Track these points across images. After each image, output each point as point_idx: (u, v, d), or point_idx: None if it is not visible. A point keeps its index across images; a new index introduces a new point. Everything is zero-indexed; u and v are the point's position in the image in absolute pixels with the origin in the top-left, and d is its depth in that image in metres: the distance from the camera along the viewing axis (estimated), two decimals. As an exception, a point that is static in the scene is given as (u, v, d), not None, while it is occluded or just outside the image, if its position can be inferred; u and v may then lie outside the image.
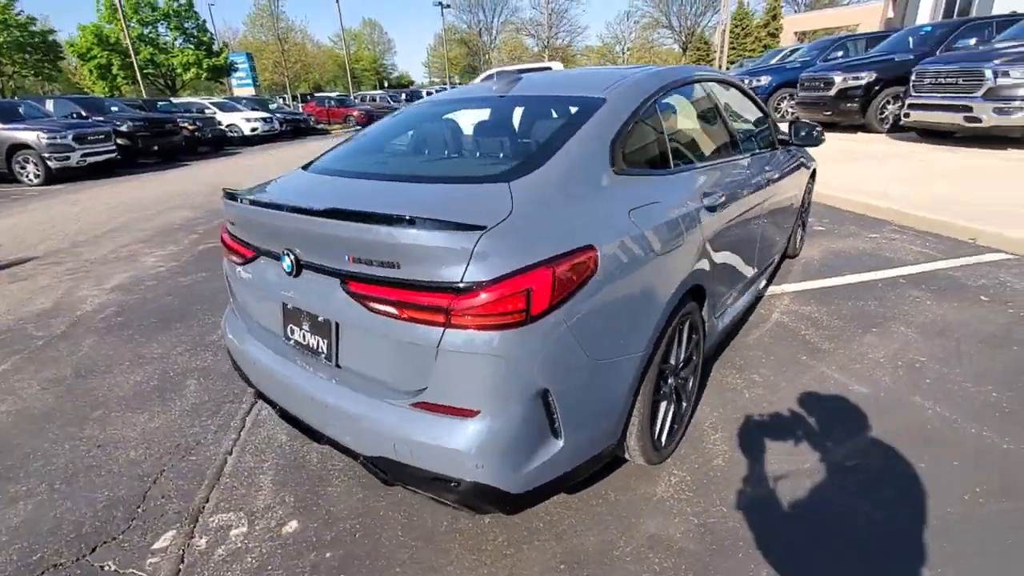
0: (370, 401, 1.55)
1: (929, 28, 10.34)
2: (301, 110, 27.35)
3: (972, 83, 7.36)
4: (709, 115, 2.67)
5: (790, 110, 12.31)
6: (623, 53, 56.32)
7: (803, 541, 1.70)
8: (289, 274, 1.65)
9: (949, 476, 1.93)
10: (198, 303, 4.13)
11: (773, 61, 15.48)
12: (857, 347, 2.86)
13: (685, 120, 2.54)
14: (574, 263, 1.42)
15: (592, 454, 1.62)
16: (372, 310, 1.46)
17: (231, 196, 1.86)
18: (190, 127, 15.19)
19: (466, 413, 1.40)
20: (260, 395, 2.00)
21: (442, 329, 1.35)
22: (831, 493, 1.89)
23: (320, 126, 25.24)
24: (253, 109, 20.30)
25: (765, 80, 12.89)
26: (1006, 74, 7.02)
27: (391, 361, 1.50)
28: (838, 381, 2.56)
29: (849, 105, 9.97)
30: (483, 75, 11.41)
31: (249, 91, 35.95)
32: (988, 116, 7.21)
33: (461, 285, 1.31)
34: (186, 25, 33.91)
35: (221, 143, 17.51)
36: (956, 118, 7.67)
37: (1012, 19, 8.90)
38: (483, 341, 1.32)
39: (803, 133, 3.20)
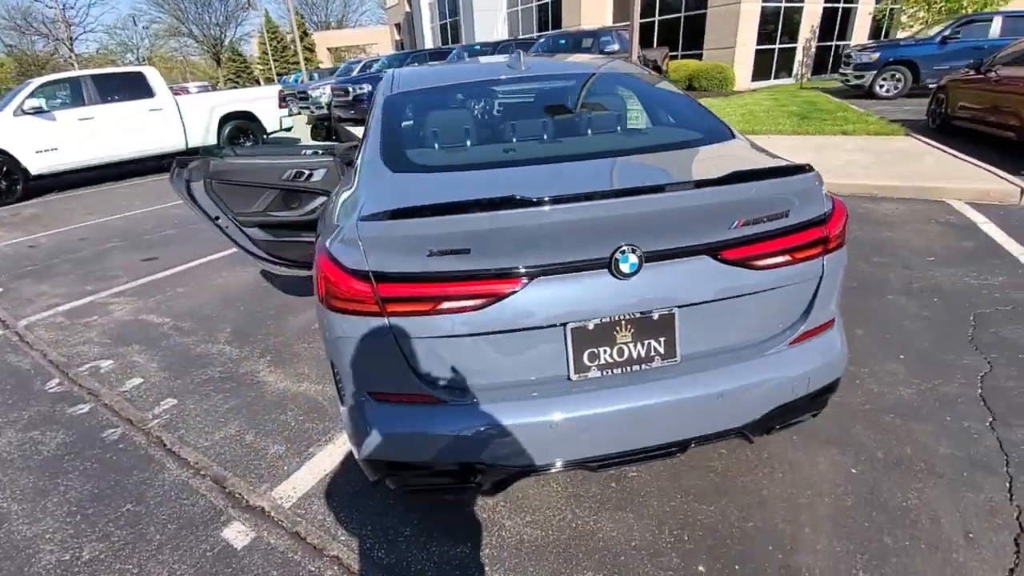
0: (743, 367, 1.49)
1: (478, 47, 13.41)
2: None
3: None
4: None
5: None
6: (139, 62, 46.70)
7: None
8: (630, 275, 1.34)
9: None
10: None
11: (354, 72, 16.62)
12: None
13: None
14: None
15: None
16: (757, 268, 1.43)
17: (479, 205, 1.25)
18: None
19: (829, 324, 1.61)
20: (533, 469, 1.46)
21: (821, 258, 1.50)
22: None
23: None
24: None
25: (367, 88, 13.76)
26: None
27: (765, 314, 1.51)
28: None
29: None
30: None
31: None
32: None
33: (824, 215, 1.50)
34: None
35: None
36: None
37: (525, 42, 12.65)
38: (840, 257, 1.56)
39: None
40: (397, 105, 2.11)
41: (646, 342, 1.42)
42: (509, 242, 1.30)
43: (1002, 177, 5.04)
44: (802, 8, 18.77)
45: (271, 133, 11.10)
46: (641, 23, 18.84)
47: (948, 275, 3.37)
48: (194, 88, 27.22)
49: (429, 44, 29.11)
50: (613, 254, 1.32)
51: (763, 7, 17.86)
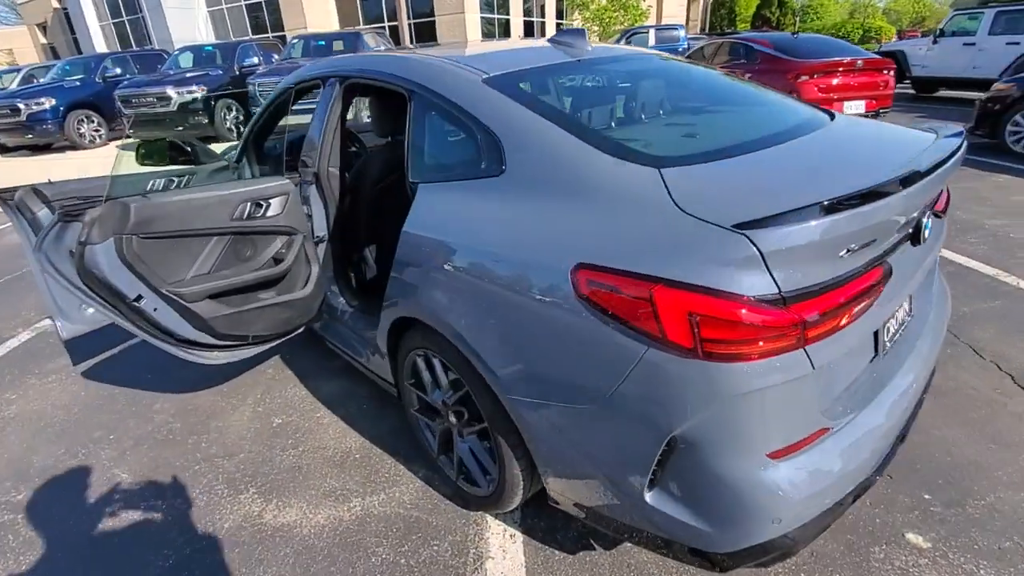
0: (940, 307, 1.66)
1: (181, 57, 11.05)
2: None
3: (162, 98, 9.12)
4: None
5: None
6: None
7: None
8: (925, 240, 1.32)
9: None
10: None
11: (11, 85, 11.90)
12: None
13: None
14: None
15: None
16: (939, 217, 1.57)
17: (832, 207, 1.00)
18: None
19: None
20: (880, 469, 1.31)
21: None
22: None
23: None
24: None
25: (49, 103, 9.90)
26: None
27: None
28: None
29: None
30: None
31: None
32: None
33: None
34: None
35: None
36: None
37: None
38: None
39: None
40: (520, 88, 1.51)
41: (905, 306, 1.44)
42: (890, 224, 1.17)
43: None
44: (508, 20, 21.14)
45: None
46: (376, 27, 18.39)
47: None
48: None
49: (101, 47, 22.57)
50: (919, 220, 1.28)
51: (481, 17, 19.44)
